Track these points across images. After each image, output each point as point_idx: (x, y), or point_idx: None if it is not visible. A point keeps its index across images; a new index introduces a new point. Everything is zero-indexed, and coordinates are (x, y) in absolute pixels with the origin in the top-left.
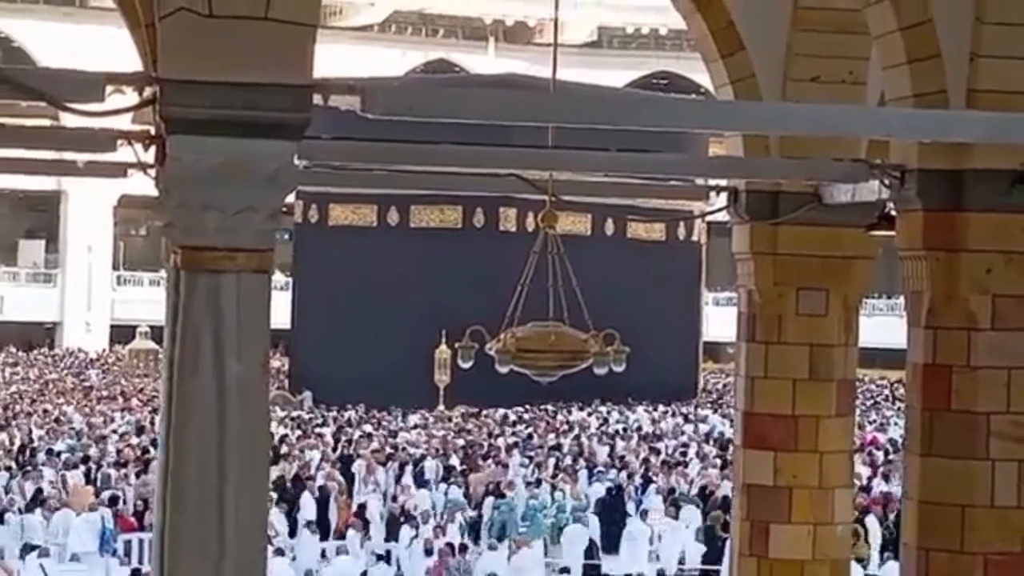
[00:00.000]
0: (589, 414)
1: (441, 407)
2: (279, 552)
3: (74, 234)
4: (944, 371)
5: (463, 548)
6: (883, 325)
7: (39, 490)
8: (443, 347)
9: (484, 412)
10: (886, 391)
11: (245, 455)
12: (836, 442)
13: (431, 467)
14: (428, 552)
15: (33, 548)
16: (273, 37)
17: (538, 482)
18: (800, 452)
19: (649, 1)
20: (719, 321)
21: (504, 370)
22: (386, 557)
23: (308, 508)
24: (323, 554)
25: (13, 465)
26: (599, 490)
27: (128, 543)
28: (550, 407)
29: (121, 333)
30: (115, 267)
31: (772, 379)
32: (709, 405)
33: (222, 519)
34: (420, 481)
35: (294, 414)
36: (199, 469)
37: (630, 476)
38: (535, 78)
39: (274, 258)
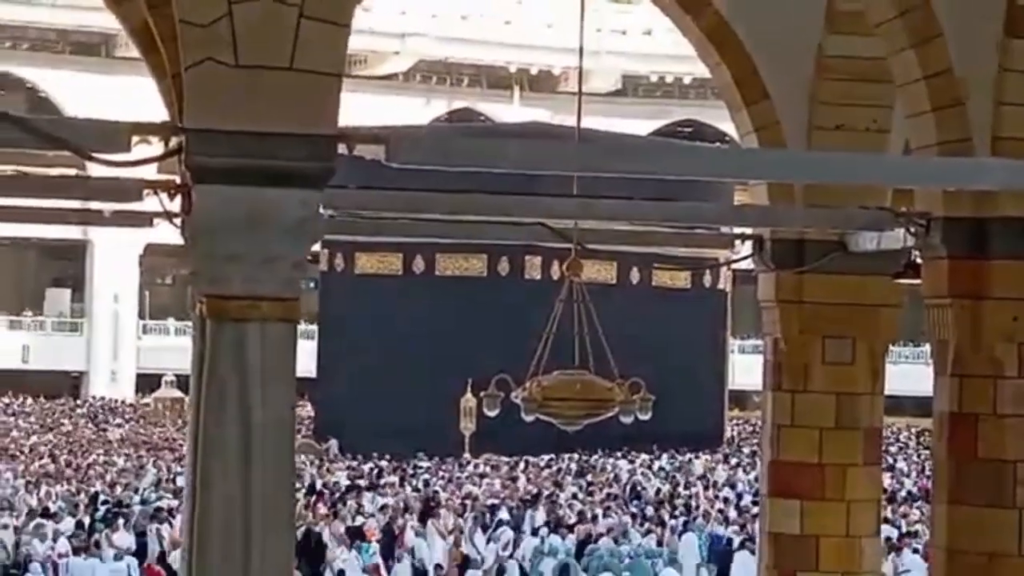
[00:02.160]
0: (632, 462)
1: (467, 455)
2: None
3: (100, 283)
4: (970, 419)
5: None
6: (909, 373)
7: (143, 544)
8: (468, 395)
9: (527, 460)
10: (903, 436)
11: (271, 503)
12: (863, 491)
13: (504, 516)
14: None
15: None
16: (298, 87)
17: (647, 531)
18: (827, 501)
19: (673, 50)
20: (745, 369)
21: (530, 419)
22: None
23: (426, 553)
24: None
25: (87, 519)
26: (691, 539)
27: None
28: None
29: (147, 382)
30: (141, 316)
31: (798, 427)
32: (735, 454)
33: (247, 567)
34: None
35: (344, 463)
36: (225, 517)
37: (743, 526)
38: (560, 127)
39: (300, 307)
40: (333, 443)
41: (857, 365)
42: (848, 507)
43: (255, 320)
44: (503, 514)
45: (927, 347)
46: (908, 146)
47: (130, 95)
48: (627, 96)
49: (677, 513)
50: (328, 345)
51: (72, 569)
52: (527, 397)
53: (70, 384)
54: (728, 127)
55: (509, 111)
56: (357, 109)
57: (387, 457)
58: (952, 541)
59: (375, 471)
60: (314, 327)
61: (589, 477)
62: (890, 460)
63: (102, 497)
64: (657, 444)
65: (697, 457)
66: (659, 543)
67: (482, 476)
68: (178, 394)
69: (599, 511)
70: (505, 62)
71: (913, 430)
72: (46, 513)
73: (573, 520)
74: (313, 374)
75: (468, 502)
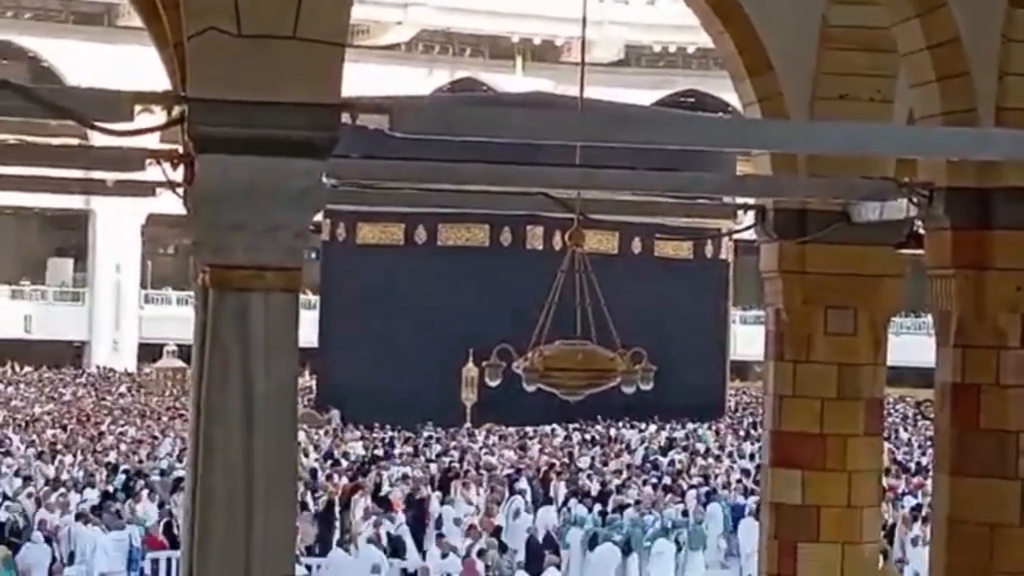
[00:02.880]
0: (642, 431)
1: (468, 425)
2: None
3: (103, 253)
4: (973, 390)
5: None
6: (911, 344)
7: (171, 513)
8: (470, 365)
9: (535, 430)
10: (900, 406)
11: (273, 473)
12: (864, 461)
13: (524, 486)
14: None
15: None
16: (301, 56)
17: (669, 501)
18: (828, 471)
19: (676, 20)
20: (746, 339)
21: (531, 388)
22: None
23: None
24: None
25: (110, 489)
26: (716, 510)
27: (156, 562)
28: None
29: (149, 351)
30: (143, 286)
31: (800, 398)
32: (738, 424)
33: (250, 537)
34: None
35: (357, 433)
36: (227, 487)
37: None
38: (563, 96)
39: (302, 276)
40: (335, 413)
41: (859, 335)
42: (849, 477)
43: (258, 290)
44: (523, 485)
45: (929, 318)
46: (912, 116)
47: (132, 64)
48: (630, 66)
49: (696, 483)
50: (330, 315)
51: (75, 537)
52: (529, 367)
53: (72, 354)
54: (731, 97)
55: (512, 81)
56: (359, 79)
57: (399, 428)
58: (954, 512)
59: (386, 441)
60: (315, 297)
61: (607, 448)
62: (895, 431)
63: (122, 467)
64: (658, 414)
65: (710, 428)
66: (684, 513)
67: (495, 446)
68: (180, 364)
69: (618, 482)
70: (508, 32)
71: (910, 400)
72: (65, 483)
73: (596, 490)
74: (314, 344)
75: (485, 472)
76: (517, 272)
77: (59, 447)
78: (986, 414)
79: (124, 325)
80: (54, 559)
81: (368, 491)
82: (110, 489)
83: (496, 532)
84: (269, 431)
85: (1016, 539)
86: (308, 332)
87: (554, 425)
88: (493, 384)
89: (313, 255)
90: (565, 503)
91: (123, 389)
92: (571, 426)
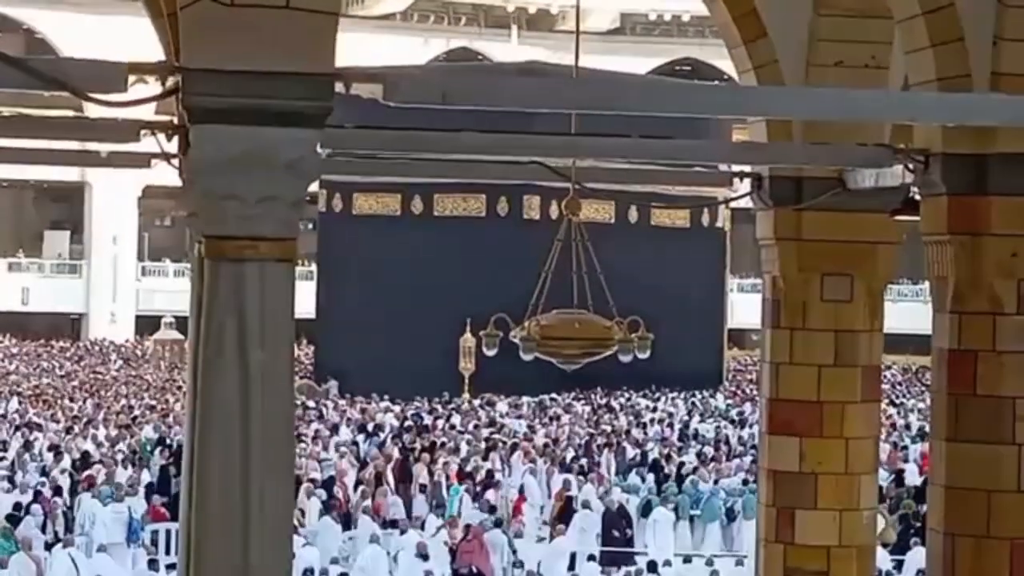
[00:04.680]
0: (658, 399)
1: (467, 395)
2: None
3: (99, 225)
4: (969, 356)
5: None
6: (908, 310)
7: None
8: (468, 335)
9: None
10: (891, 371)
11: (270, 443)
12: (862, 428)
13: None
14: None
15: None
16: (295, 26)
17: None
18: (826, 438)
19: None
20: (744, 307)
21: (528, 358)
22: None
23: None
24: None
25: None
26: None
27: (155, 533)
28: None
29: (146, 323)
30: (140, 257)
31: (797, 365)
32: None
33: (248, 509)
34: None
35: (391, 406)
36: (224, 458)
37: None
38: (558, 66)
39: (298, 247)
40: (333, 384)
41: (855, 302)
42: (847, 444)
43: (253, 260)
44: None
45: (927, 285)
46: (907, 82)
47: (127, 35)
48: (625, 35)
49: (738, 452)
50: (326, 286)
51: (74, 509)
52: (526, 336)
53: (70, 326)
54: (727, 65)
55: (507, 50)
56: (354, 49)
57: (424, 398)
58: (951, 478)
59: (413, 413)
60: (312, 268)
61: (647, 417)
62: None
63: (168, 441)
64: (656, 383)
65: (713, 396)
66: (745, 482)
67: (520, 417)
68: (177, 336)
69: (664, 451)
70: (503, 1)
71: (896, 367)
72: (116, 459)
73: (640, 459)
74: (312, 315)
75: (527, 444)
76: (514, 242)
77: (83, 419)
78: (982, 380)
79: (121, 297)
80: (54, 531)
81: (437, 465)
82: (164, 463)
83: (568, 503)
84: (265, 402)
85: (1013, 504)
86: (305, 303)
87: (552, 394)
88: (490, 354)
89: (310, 226)
90: (622, 472)
91: (118, 362)
92: (592, 396)
